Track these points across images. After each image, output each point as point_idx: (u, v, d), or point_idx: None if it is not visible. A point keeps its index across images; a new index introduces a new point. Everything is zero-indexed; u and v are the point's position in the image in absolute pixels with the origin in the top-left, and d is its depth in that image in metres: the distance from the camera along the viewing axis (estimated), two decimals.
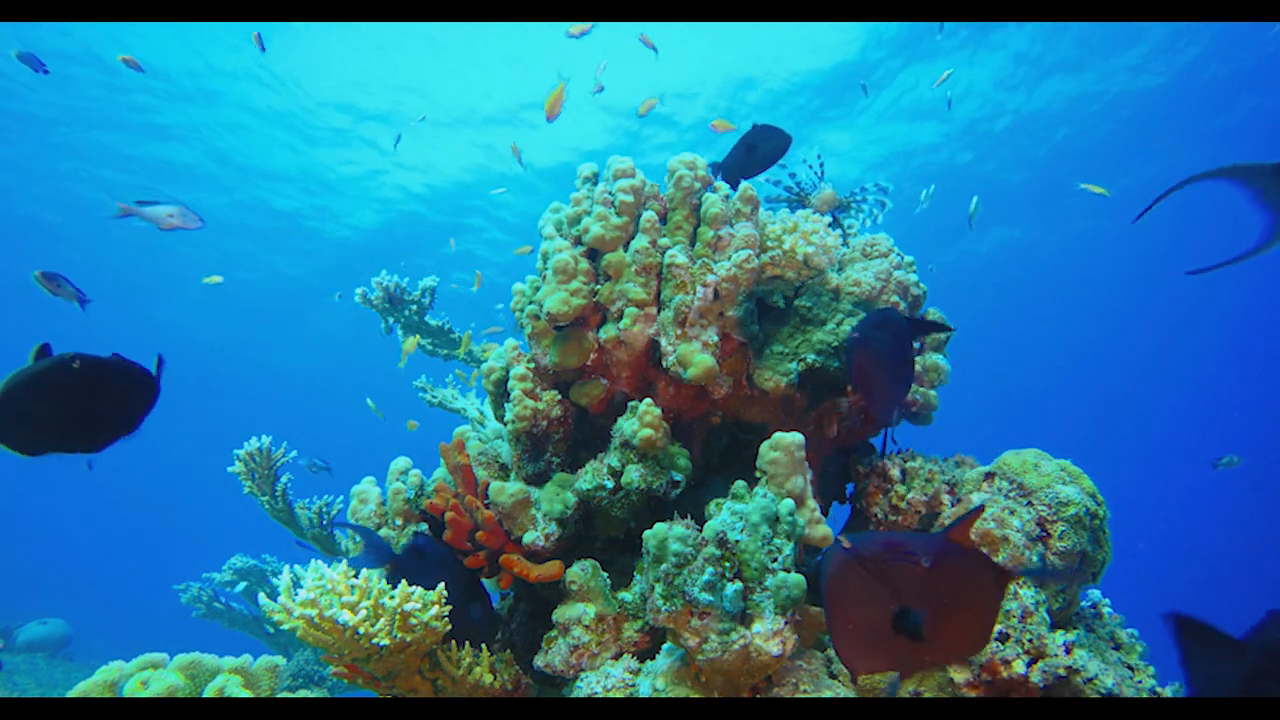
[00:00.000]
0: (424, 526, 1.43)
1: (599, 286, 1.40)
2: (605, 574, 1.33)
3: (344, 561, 1.10)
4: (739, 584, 1.02)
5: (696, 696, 1.05)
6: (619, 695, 1.12)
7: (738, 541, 1.06)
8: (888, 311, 1.10)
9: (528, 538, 1.31)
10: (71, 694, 1.13)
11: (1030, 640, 1.08)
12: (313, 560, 1.08)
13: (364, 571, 1.07)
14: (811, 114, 7.07)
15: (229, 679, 1.14)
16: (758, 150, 1.54)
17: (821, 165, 1.72)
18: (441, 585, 1.12)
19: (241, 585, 2.68)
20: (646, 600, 1.11)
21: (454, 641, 1.20)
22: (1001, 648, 1.08)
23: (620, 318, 1.37)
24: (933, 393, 1.54)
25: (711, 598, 1.01)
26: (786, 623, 1.02)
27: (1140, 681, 1.15)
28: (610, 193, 1.40)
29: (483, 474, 1.47)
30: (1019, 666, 1.06)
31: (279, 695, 1.23)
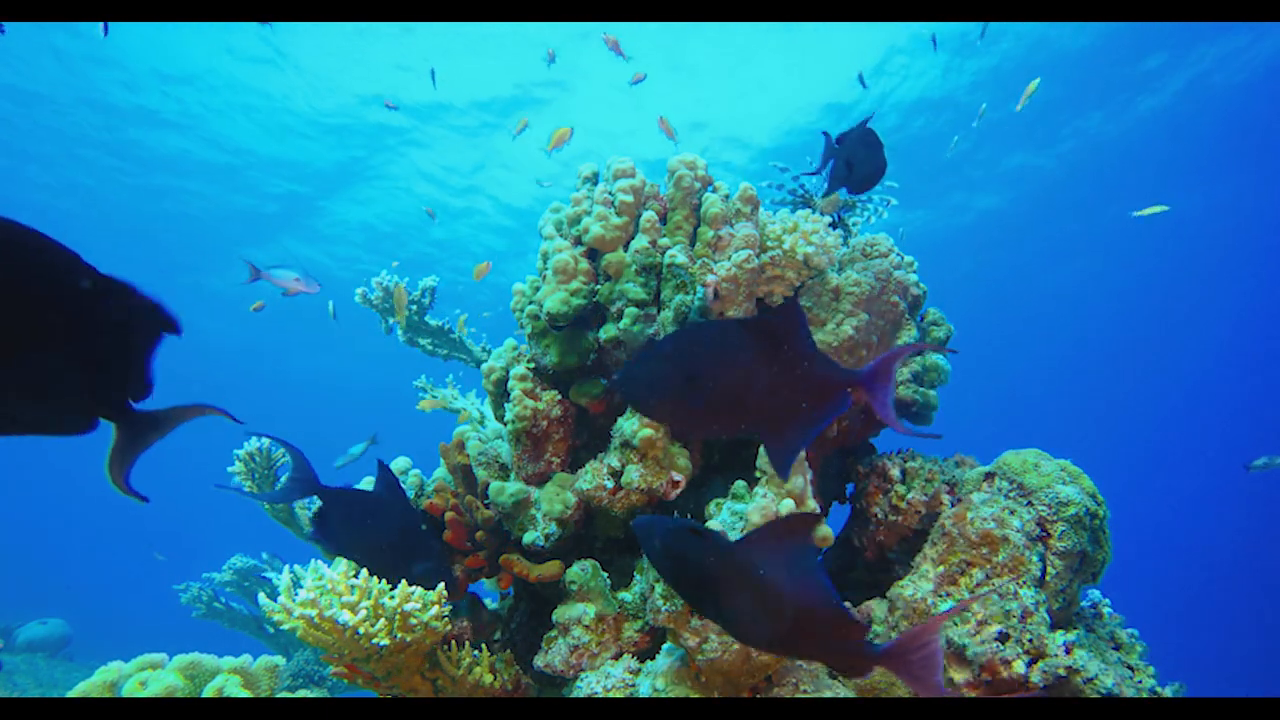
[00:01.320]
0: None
1: (599, 286, 1.40)
2: (605, 574, 1.33)
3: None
4: None
5: (696, 696, 1.05)
6: (619, 695, 1.12)
7: None
8: (683, 333, 0.80)
9: (528, 538, 1.31)
10: (71, 694, 1.13)
11: (1030, 640, 1.08)
12: (313, 560, 1.08)
13: (363, 571, 1.07)
14: None
15: (228, 679, 1.14)
16: (856, 171, 1.31)
17: None
18: (442, 586, 1.11)
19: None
20: (646, 600, 1.11)
21: (454, 641, 1.20)
22: (1001, 648, 1.08)
23: (620, 318, 1.37)
24: (932, 393, 1.54)
25: None
26: None
27: (1140, 681, 1.15)
28: (610, 193, 1.40)
29: (483, 474, 1.47)
30: (1019, 666, 1.06)
31: (279, 695, 1.23)
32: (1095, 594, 1.33)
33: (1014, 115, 7.26)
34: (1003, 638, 1.09)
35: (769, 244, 1.43)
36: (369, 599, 1.04)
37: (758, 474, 1.23)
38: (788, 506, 1.08)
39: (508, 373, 1.43)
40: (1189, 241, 9.82)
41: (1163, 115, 7.32)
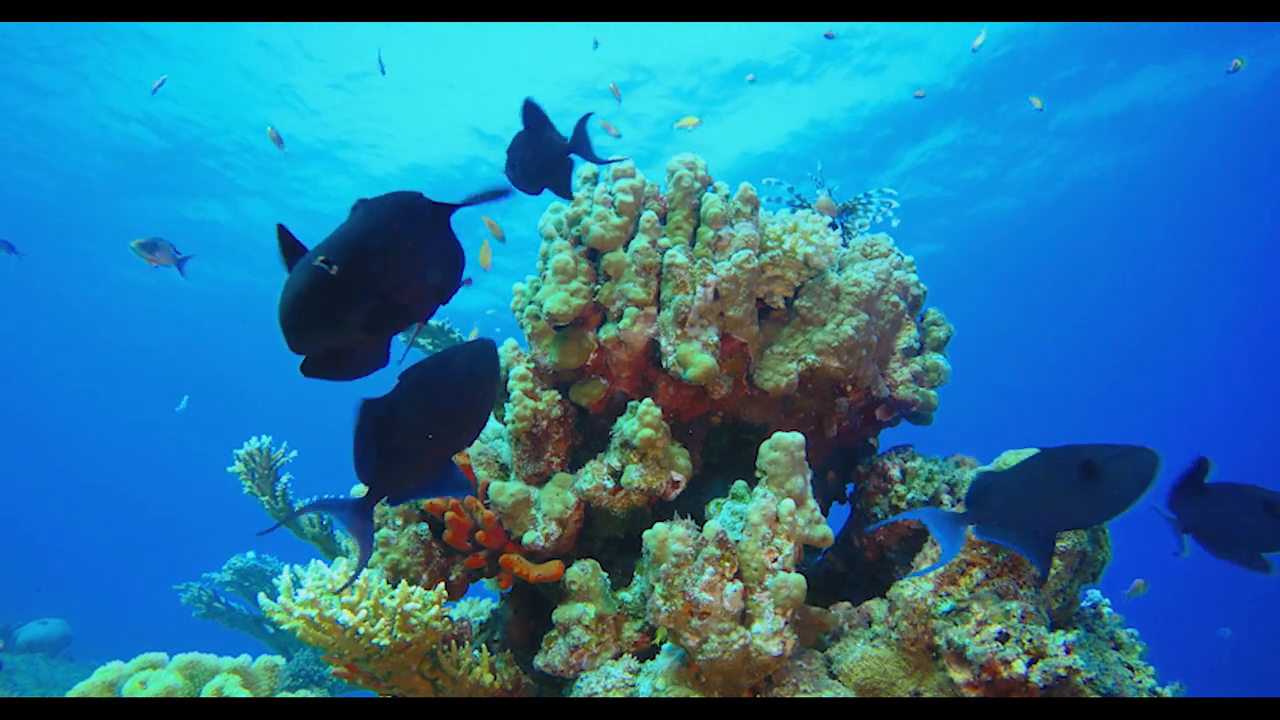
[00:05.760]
0: (424, 527, 1.43)
1: (599, 286, 1.40)
2: (605, 574, 1.33)
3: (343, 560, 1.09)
4: (739, 584, 1.02)
5: (696, 696, 1.05)
6: (619, 695, 1.12)
7: (738, 541, 1.06)
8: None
9: (528, 538, 1.31)
10: (71, 694, 1.13)
11: (1030, 640, 1.08)
12: (313, 560, 1.08)
13: (364, 571, 1.07)
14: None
15: (228, 679, 1.14)
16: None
17: (822, 172, 1.75)
18: (441, 586, 1.11)
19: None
20: (646, 600, 1.11)
21: (454, 641, 1.20)
22: (1001, 648, 1.08)
23: (620, 318, 1.37)
24: (932, 393, 1.54)
25: (711, 598, 1.01)
26: (786, 623, 1.02)
27: (1140, 681, 1.15)
28: (610, 193, 1.40)
29: (483, 474, 1.47)
30: (1019, 666, 1.06)
31: (279, 695, 1.23)
32: (1095, 594, 1.33)
33: (1014, 122, 7.28)
34: (1003, 638, 1.09)
35: (769, 244, 1.42)
36: (369, 599, 1.04)
37: (758, 474, 1.23)
38: (788, 506, 1.08)
39: (508, 373, 1.43)
40: (1189, 240, 9.82)
41: (1153, 120, 7.32)
